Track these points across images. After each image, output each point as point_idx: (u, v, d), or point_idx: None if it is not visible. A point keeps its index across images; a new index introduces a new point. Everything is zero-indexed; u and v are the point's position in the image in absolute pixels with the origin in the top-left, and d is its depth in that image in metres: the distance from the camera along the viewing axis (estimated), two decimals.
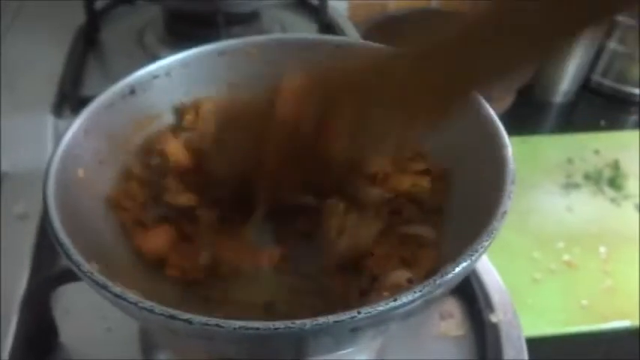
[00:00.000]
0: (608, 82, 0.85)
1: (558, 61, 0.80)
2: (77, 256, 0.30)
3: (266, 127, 0.35)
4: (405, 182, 0.40)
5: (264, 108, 0.35)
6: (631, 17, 0.79)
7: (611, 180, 0.69)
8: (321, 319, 0.26)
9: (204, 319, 0.26)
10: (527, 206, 0.66)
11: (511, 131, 0.36)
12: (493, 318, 0.45)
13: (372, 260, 0.36)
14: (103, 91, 0.41)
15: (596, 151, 0.74)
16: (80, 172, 0.37)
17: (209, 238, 0.38)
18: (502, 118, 0.37)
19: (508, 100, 0.69)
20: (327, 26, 0.80)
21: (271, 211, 0.38)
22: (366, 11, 1.16)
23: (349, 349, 0.33)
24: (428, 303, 0.29)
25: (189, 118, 0.44)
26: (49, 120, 0.63)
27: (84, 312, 0.45)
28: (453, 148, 0.40)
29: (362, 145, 0.34)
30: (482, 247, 0.30)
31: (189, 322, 0.26)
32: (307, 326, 0.26)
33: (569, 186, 0.69)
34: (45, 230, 0.32)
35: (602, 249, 0.61)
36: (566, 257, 0.60)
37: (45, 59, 0.74)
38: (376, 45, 0.43)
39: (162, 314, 0.26)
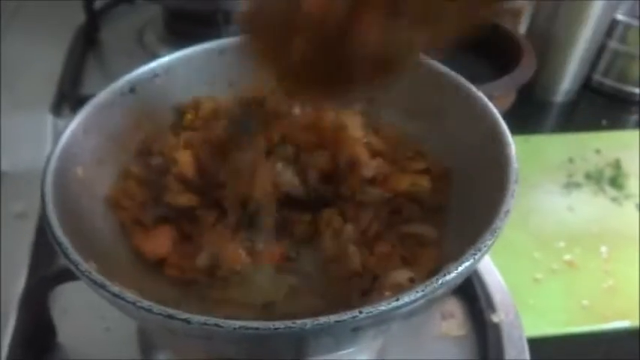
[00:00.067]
0: (609, 82, 0.84)
1: (559, 61, 0.80)
2: (75, 256, 0.29)
3: (293, 17, 0.32)
4: (405, 182, 0.40)
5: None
6: (632, 16, 0.79)
7: (613, 179, 0.69)
8: (322, 319, 0.26)
9: (202, 318, 0.26)
10: (528, 205, 0.65)
11: (512, 130, 0.36)
12: (495, 318, 0.45)
13: (373, 259, 0.36)
14: (103, 89, 0.41)
15: (598, 151, 0.74)
16: (79, 171, 0.37)
17: (209, 238, 0.38)
18: (503, 117, 0.37)
19: (509, 100, 0.69)
20: None
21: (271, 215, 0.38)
22: None
23: (350, 349, 0.33)
24: (430, 303, 0.28)
25: (189, 117, 0.44)
26: (49, 119, 0.63)
27: (82, 311, 0.45)
28: (454, 147, 0.40)
29: (393, 43, 0.32)
30: (485, 247, 0.29)
31: (187, 321, 0.26)
32: (308, 326, 0.26)
33: (570, 185, 0.69)
34: (43, 229, 0.32)
35: (603, 249, 0.61)
36: (567, 257, 0.60)
37: (44, 59, 0.74)
38: None
39: (160, 314, 0.26)
